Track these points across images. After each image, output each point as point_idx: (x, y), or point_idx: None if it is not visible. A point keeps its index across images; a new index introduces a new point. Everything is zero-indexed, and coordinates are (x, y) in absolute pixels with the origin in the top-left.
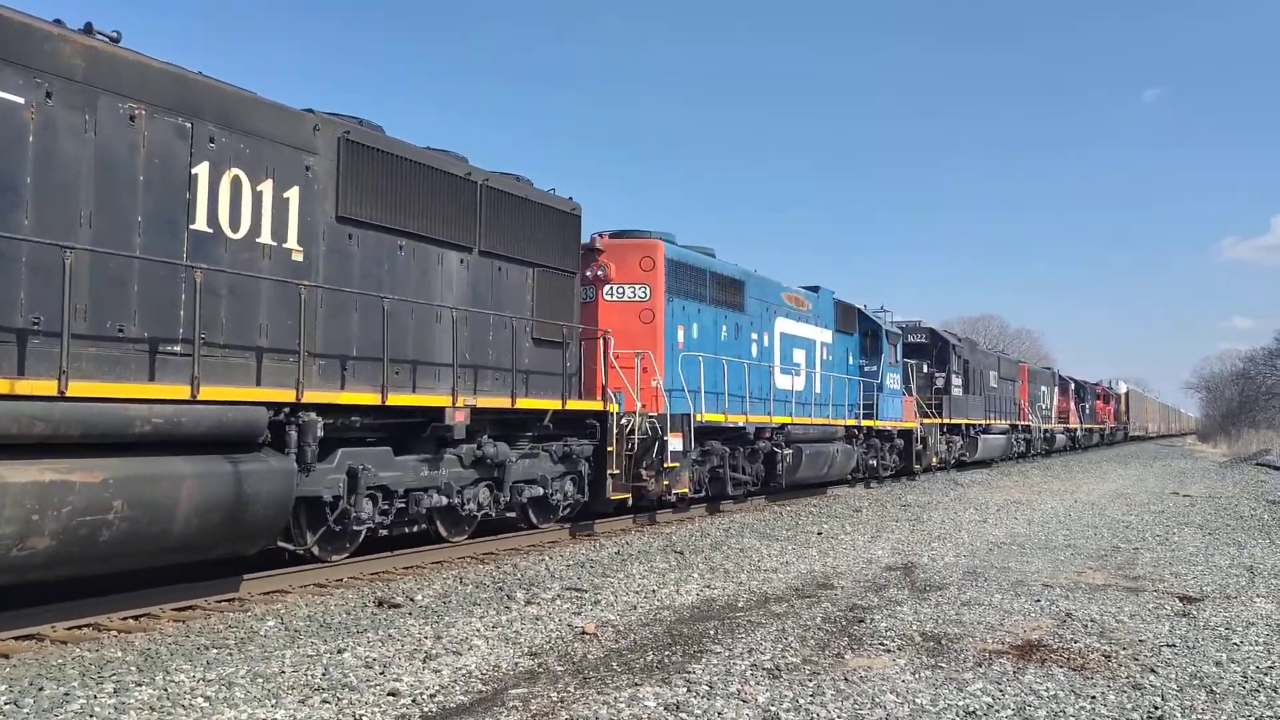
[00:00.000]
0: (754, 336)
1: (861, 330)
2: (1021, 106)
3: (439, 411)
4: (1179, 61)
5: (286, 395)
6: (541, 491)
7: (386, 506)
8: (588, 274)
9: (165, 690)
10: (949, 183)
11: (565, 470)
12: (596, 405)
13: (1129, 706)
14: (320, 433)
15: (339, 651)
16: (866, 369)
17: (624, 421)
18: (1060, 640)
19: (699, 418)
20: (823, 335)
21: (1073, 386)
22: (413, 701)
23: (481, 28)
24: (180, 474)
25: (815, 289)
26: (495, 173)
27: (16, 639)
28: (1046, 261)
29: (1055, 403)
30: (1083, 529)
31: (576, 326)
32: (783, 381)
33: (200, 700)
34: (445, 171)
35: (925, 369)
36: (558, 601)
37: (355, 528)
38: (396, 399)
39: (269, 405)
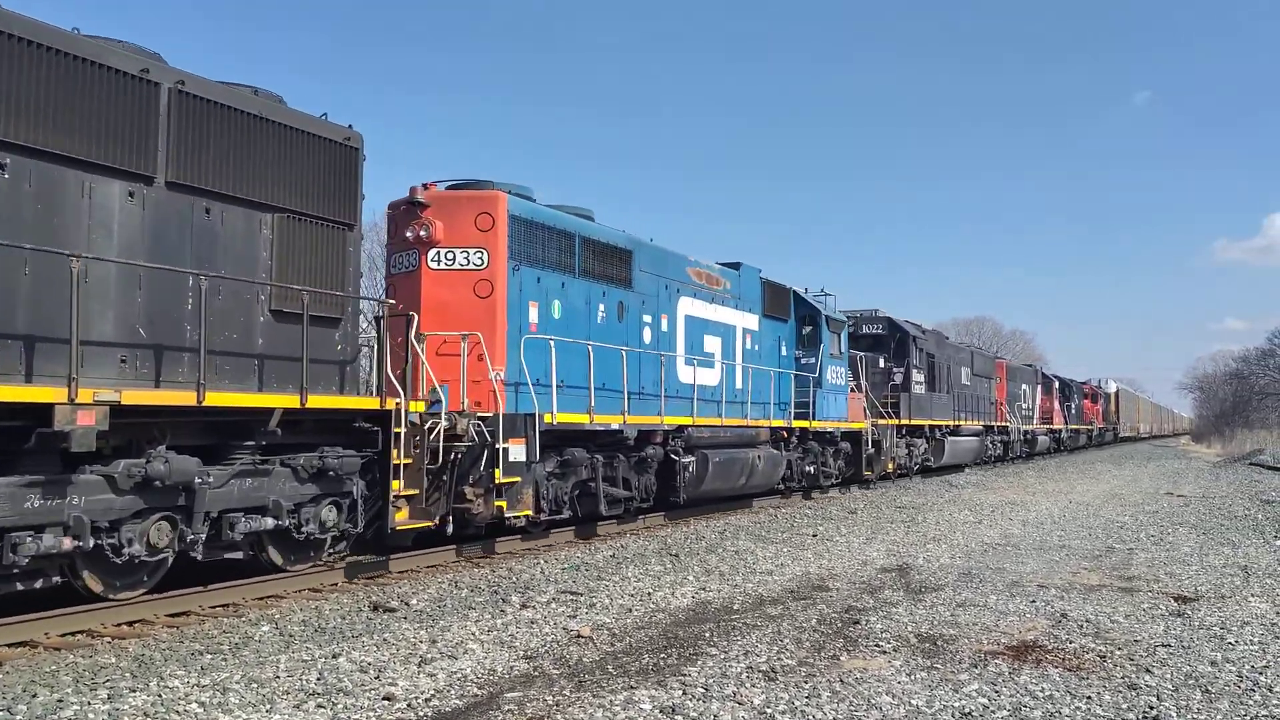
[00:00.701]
0: (647, 319)
1: (798, 316)
2: (1012, 109)
3: (47, 411)
4: (1168, 64)
5: None
6: (274, 523)
7: None
8: (408, 235)
9: (159, 696)
10: (942, 186)
11: (323, 492)
12: (367, 402)
13: (1124, 707)
14: None
15: (334, 656)
16: (804, 361)
17: (430, 425)
18: (1055, 641)
19: (550, 419)
20: (746, 320)
21: (1057, 385)
22: (408, 706)
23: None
24: None
25: (736, 266)
26: (204, 79)
27: (9, 646)
28: (1039, 265)
29: (1038, 402)
30: (1077, 529)
31: (354, 296)
32: (687, 374)
33: (195, 706)
34: (95, 63)
35: (882, 363)
36: (553, 605)
37: None
38: None
39: None
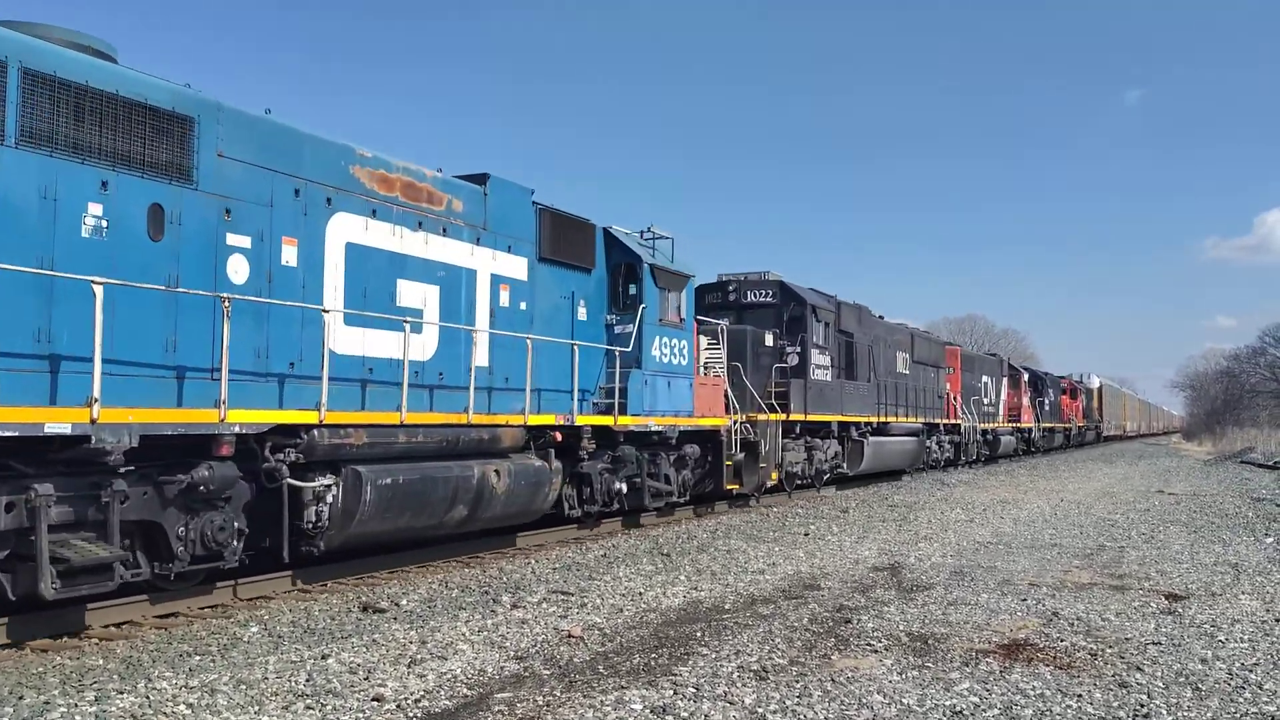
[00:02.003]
0: (239, 242)
1: (610, 266)
2: (1005, 109)
3: None
4: (1160, 62)
5: None
6: None
7: None
8: None
9: (147, 698)
10: (935, 186)
11: None
12: None
13: (1115, 705)
14: None
15: (323, 657)
16: (619, 330)
17: None
18: (1047, 639)
19: None
20: (501, 264)
21: (1026, 378)
22: (397, 707)
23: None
24: None
25: (481, 179)
26: None
27: None
28: (1031, 263)
29: (1003, 397)
30: (1069, 528)
31: None
32: (361, 342)
33: (182, 708)
34: None
35: (771, 341)
36: (544, 605)
37: None
38: None
39: None
